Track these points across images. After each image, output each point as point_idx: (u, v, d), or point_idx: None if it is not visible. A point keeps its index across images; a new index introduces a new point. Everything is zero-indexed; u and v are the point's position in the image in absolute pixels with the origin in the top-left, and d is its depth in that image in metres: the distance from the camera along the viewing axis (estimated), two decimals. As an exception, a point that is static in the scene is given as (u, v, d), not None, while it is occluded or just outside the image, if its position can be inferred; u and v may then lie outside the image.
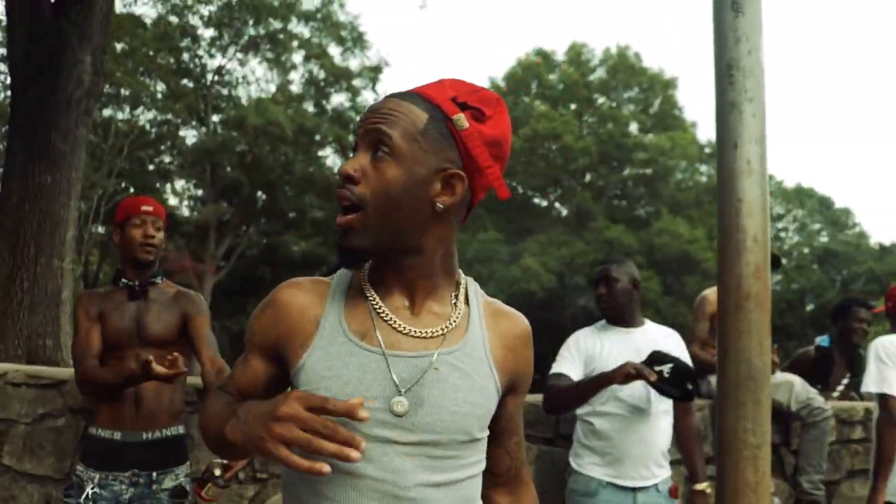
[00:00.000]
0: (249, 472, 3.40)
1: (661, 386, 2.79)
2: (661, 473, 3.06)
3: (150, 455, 2.75)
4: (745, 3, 1.47)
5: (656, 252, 27.98)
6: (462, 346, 1.25)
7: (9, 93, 13.40)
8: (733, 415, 1.37)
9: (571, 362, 3.17)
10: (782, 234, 42.11)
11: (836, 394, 4.80)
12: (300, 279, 1.34)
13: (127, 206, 2.99)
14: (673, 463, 3.22)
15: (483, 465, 1.31)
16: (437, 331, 1.24)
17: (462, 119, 1.22)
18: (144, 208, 2.93)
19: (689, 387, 2.83)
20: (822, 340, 4.91)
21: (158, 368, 2.48)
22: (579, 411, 3.15)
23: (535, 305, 27.40)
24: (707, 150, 34.32)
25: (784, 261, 4.74)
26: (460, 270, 1.35)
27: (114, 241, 3.01)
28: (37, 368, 3.52)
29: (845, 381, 4.86)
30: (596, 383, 2.89)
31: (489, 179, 1.24)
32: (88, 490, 2.68)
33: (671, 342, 3.18)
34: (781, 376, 4.14)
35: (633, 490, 3.00)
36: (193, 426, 3.35)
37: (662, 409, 3.09)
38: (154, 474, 2.76)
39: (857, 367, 4.78)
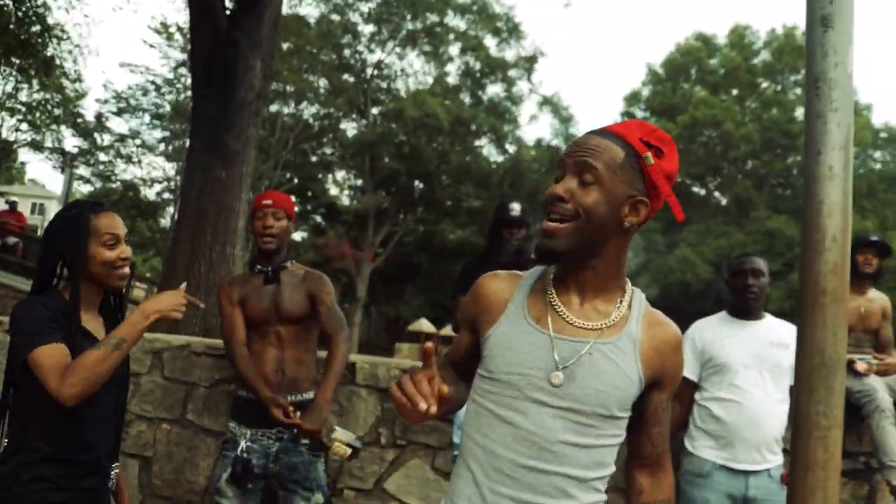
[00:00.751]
0: (391, 438, 3.76)
1: None
2: (774, 460, 3.12)
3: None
4: (835, 18, 1.55)
5: (823, 243, 26.52)
6: (615, 341, 1.51)
7: (189, 93, 14.51)
8: (807, 399, 1.48)
9: (686, 361, 3.30)
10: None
11: None
12: (499, 272, 1.68)
13: (254, 202, 3.32)
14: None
15: (620, 440, 1.54)
16: (597, 325, 1.52)
17: (650, 157, 1.50)
18: (264, 202, 3.22)
19: None
20: None
21: (278, 414, 2.95)
22: (697, 397, 3.28)
23: (690, 296, 26.75)
24: (883, 135, 32.15)
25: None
26: (628, 280, 1.61)
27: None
28: (213, 341, 4.01)
29: None
30: None
31: (672, 206, 1.54)
32: (243, 444, 3.08)
33: (789, 337, 3.21)
34: None
35: (746, 473, 3.09)
36: (342, 395, 3.73)
37: (778, 397, 3.16)
38: (296, 431, 3.05)
39: None
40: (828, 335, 1.47)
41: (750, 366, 3.16)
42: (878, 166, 31.42)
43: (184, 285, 2.29)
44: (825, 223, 1.52)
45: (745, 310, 3.31)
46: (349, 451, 2.96)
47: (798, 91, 31.71)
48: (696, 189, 33.33)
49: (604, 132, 1.53)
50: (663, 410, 1.61)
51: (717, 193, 33.40)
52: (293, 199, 3.39)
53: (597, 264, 1.52)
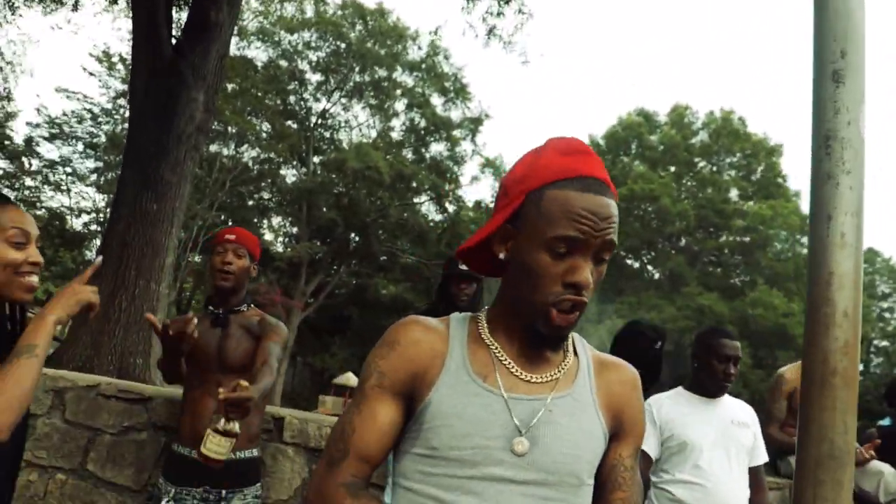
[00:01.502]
0: None
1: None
2: None
3: (223, 475, 2.75)
4: (846, 73, 1.42)
5: (749, 323, 27.18)
6: (571, 392, 1.27)
7: (126, 125, 14.11)
8: (811, 493, 1.28)
9: (648, 435, 3.10)
10: (886, 315, 40.38)
11: None
12: (419, 317, 1.33)
13: (216, 236, 3.08)
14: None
15: None
16: (549, 376, 1.27)
17: None
18: (227, 237, 2.99)
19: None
20: (884, 421, 4.85)
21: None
22: (655, 479, 3.07)
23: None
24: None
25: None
26: None
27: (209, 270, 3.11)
28: (127, 383, 3.64)
29: None
30: None
31: None
32: (164, 502, 2.77)
33: (746, 416, 3.14)
34: (873, 465, 3.97)
35: None
36: (268, 453, 3.41)
37: (741, 479, 3.00)
38: (223, 492, 2.80)
39: None
40: (837, 421, 1.28)
41: (714, 446, 2.98)
42: (805, 251, 32.44)
43: (99, 260, 1.97)
44: (835, 296, 1.34)
45: (715, 391, 3.16)
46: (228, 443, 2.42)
47: (732, 173, 32.70)
48: (629, 262, 33.84)
49: (610, 192, 1.24)
50: (626, 471, 1.31)
51: (650, 267, 33.96)
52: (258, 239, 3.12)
53: None
